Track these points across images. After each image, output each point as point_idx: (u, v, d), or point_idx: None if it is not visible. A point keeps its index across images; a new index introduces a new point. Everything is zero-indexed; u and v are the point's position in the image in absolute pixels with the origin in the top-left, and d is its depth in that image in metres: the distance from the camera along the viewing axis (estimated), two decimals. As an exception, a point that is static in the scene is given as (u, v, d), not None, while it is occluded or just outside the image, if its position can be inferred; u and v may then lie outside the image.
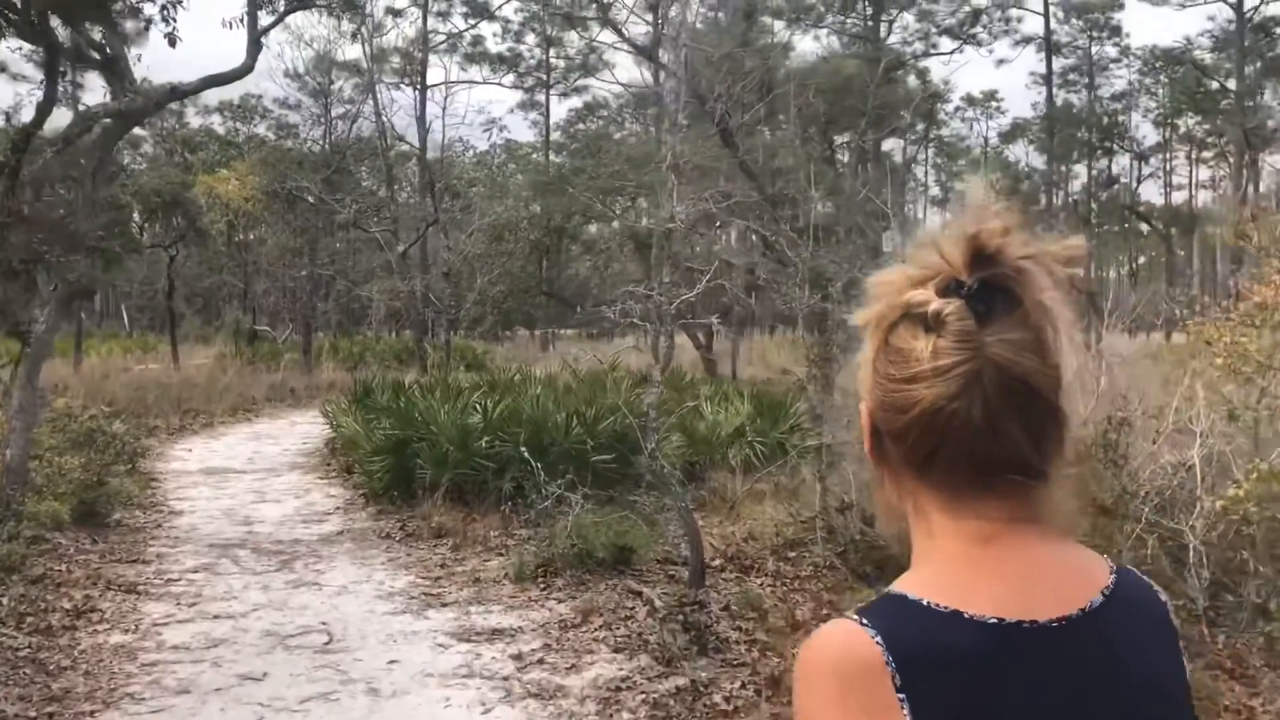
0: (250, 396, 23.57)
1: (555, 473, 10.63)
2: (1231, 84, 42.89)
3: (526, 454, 10.54)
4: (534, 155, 67.96)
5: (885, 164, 27.77)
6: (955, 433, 1.00)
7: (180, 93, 10.39)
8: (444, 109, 31.85)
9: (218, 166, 42.13)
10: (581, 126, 60.02)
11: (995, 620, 1.00)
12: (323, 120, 36.23)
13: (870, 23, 34.62)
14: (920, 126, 42.06)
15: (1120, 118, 52.49)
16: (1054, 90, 50.35)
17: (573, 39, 46.03)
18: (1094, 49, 55.00)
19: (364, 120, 37.38)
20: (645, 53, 17.04)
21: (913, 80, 33.35)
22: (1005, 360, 1.00)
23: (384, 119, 22.80)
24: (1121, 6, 49.73)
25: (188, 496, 12.26)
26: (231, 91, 71.55)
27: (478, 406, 11.53)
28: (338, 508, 11.66)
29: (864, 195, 15.96)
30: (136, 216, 24.46)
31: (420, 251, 42.61)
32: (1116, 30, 52.33)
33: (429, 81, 37.32)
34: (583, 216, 23.14)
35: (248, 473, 14.14)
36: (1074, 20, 53.61)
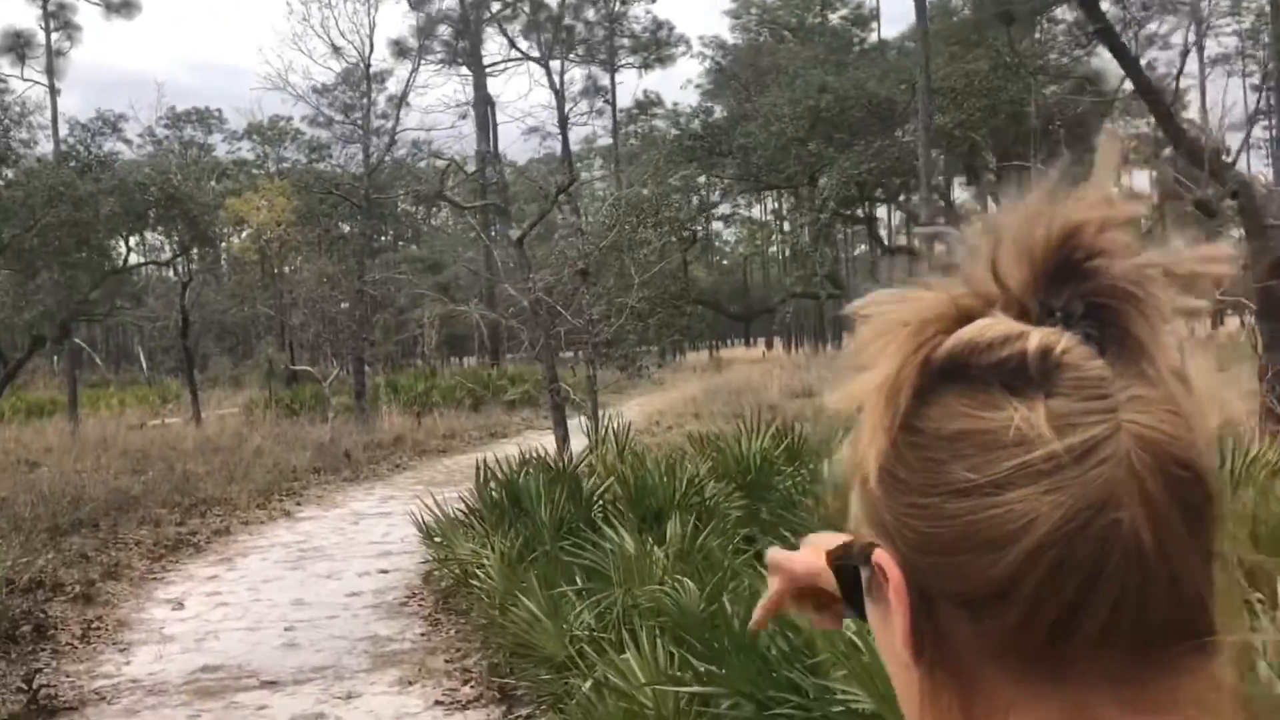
0: (290, 467, 15.94)
1: None
2: None
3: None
4: (580, 166, 60.39)
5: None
6: (1114, 575, 0.50)
7: None
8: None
9: (246, 191, 35.67)
10: (634, 127, 52.36)
11: None
12: (360, 131, 29.13)
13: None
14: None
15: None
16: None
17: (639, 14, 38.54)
18: None
19: (403, 133, 30.64)
20: None
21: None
22: (1157, 432, 0.51)
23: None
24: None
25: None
26: (259, 113, 65.18)
27: None
28: None
29: None
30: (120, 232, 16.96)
31: (483, 261, 35.34)
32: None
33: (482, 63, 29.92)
34: (754, 181, 15.65)
35: (284, 684, 6.49)
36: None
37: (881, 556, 0.56)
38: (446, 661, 6.58)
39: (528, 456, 8.88)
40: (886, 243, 20.56)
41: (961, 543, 0.52)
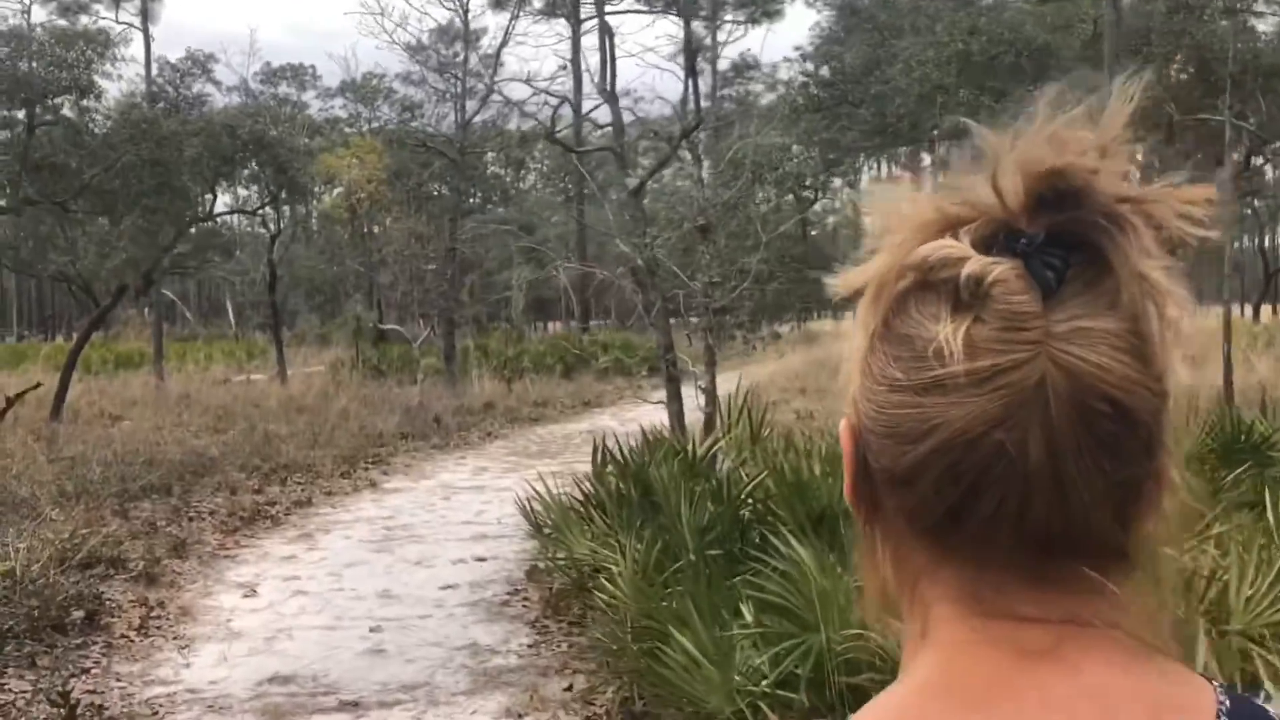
0: (377, 431, 14.97)
1: None
2: None
3: None
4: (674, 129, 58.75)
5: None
6: (997, 483, 0.58)
7: None
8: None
9: (338, 148, 35.15)
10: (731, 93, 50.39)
11: None
12: (457, 81, 28.08)
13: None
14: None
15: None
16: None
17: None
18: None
19: (501, 84, 29.51)
20: None
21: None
22: (1083, 364, 0.57)
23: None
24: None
25: None
26: (354, 63, 65.12)
27: None
28: None
29: None
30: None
31: (578, 220, 34.04)
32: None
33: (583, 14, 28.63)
34: (888, 136, 13.96)
35: (367, 707, 5.33)
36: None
37: (842, 425, 0.65)
38: (565, 690, 5.35)
39: (649, 436, 7.62)
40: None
41: (889, 429, 0.60)
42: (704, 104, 48.18)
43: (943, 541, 0.61)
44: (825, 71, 13.30)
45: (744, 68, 51.31)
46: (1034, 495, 0.57)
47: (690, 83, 11.28)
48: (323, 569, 8.04)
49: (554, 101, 11.76)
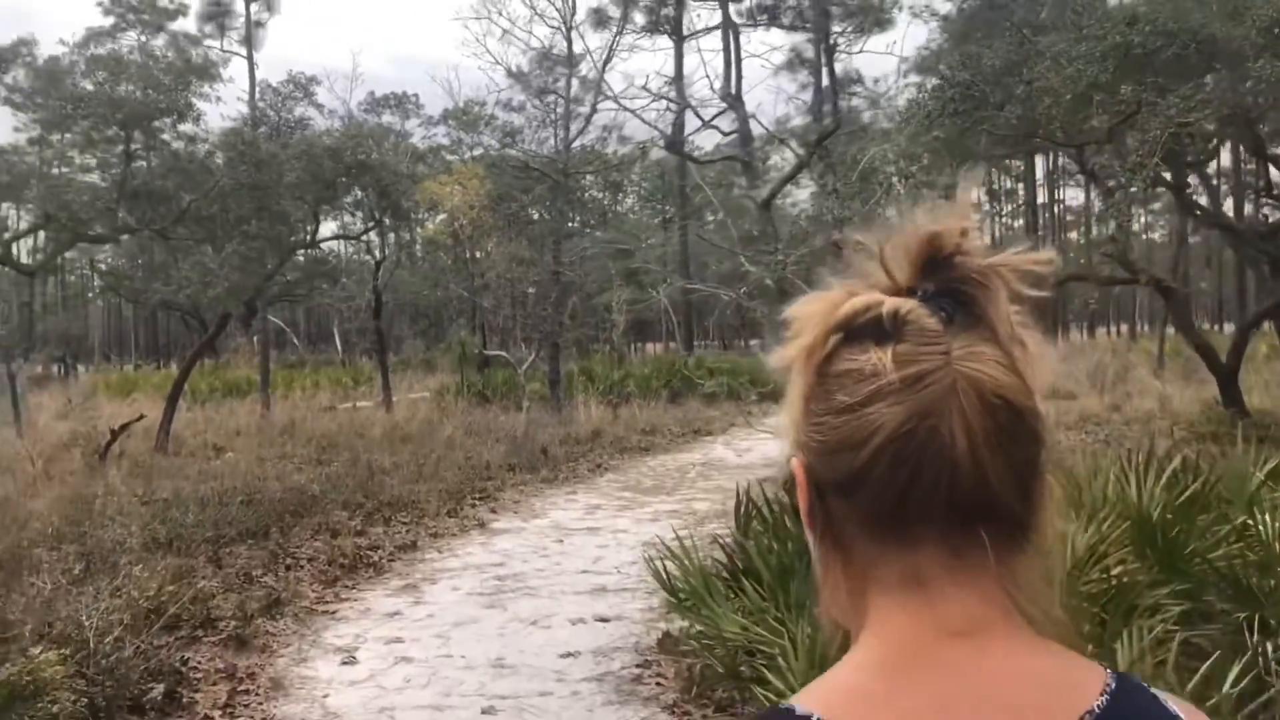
0: (483, 463, 14.18)
1: None
2: None
3: None
4: (770, 149, 57.38)
5: None
6: (930, 464, 0.71)
7: None
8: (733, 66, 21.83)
9: (440, 174, 34.98)
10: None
11: None
12: (554, 114, 27.50)
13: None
14: None
15: None
16: None
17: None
18: None
19: (600, 115, 28.79)
20: None
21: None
22: (980, 373, 0.72)
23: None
24: None
25: None
26: (457, 85, 65.56)
27: None
28: None
29: None
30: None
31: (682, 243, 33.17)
32: None
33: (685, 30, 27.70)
34: (1026, 140, 12.68)
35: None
36: None
37: (794, 462, 0.77)
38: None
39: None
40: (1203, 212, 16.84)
41: (839, 445, 0.73)
42: (807, 119, 46.83)
43: (887, 528, 0.72)
44: (965, 74, 12.17)
45: (848, 82, 49.95)
46: (959, 470, 0.70)
47: (829, 84, 10.30)
48: (429, 629, 7.16)
49: (674, 109, 10.84)
